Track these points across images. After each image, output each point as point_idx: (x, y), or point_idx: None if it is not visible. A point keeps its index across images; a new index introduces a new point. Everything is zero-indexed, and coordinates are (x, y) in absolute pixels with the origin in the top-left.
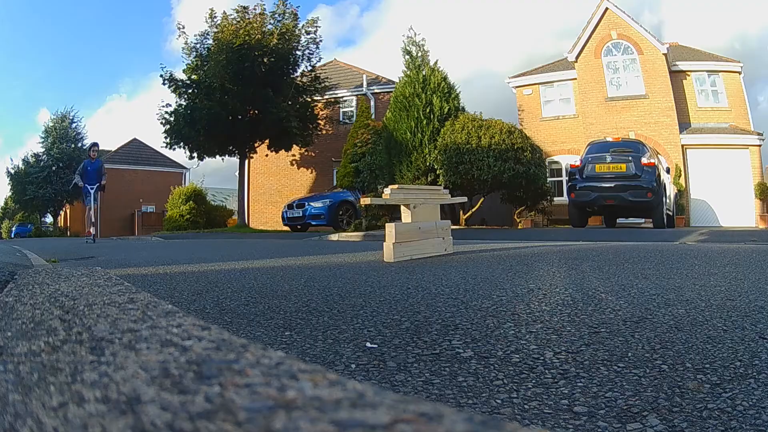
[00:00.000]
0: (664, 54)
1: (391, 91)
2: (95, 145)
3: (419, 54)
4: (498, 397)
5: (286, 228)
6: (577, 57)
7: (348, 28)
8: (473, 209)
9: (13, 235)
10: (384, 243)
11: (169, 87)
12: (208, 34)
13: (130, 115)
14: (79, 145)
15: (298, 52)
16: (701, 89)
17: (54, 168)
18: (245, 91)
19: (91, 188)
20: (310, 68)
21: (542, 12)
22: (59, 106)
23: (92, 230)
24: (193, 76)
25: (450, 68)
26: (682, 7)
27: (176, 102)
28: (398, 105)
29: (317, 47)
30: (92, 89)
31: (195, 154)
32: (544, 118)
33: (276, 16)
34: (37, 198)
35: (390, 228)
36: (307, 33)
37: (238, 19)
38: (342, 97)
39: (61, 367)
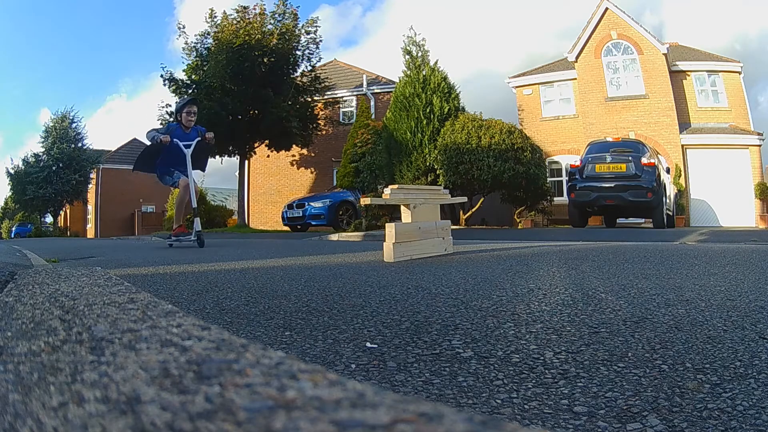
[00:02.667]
0: (664, 54)
1: (392, 91)
2: (192, 102)
3: (419, 54)
4: (498, 397)
5: (286, 228)
6: (577, 57)
7: (350, 29)
8: (473, 209)
9: (13, 235)
10: (384, 243)
11: (170, 87)
12: (208, 34)
13: (130, 115)
14: (80, 144)
15: (298, 52)
16: (701, 89)
17: (54, 168)
18: (245, 91)
19: (187, 146)
20: (310, 68)
21: (542, 12)
22: (59, 106)
23: (196, 224)
24: (193, 76)
25: (450, 68)
26: (682, 8)
27: (176, 102)
28: (398, 105)
29: (317, 47)
30: (92, 89)
31: None
32: (544, 118)
33: (276, 16)
34: (37, 198)
35: (390, 228)
36: (307, 33)
37: (238, 19)
38: (342, 97)
39: (61, 367)
